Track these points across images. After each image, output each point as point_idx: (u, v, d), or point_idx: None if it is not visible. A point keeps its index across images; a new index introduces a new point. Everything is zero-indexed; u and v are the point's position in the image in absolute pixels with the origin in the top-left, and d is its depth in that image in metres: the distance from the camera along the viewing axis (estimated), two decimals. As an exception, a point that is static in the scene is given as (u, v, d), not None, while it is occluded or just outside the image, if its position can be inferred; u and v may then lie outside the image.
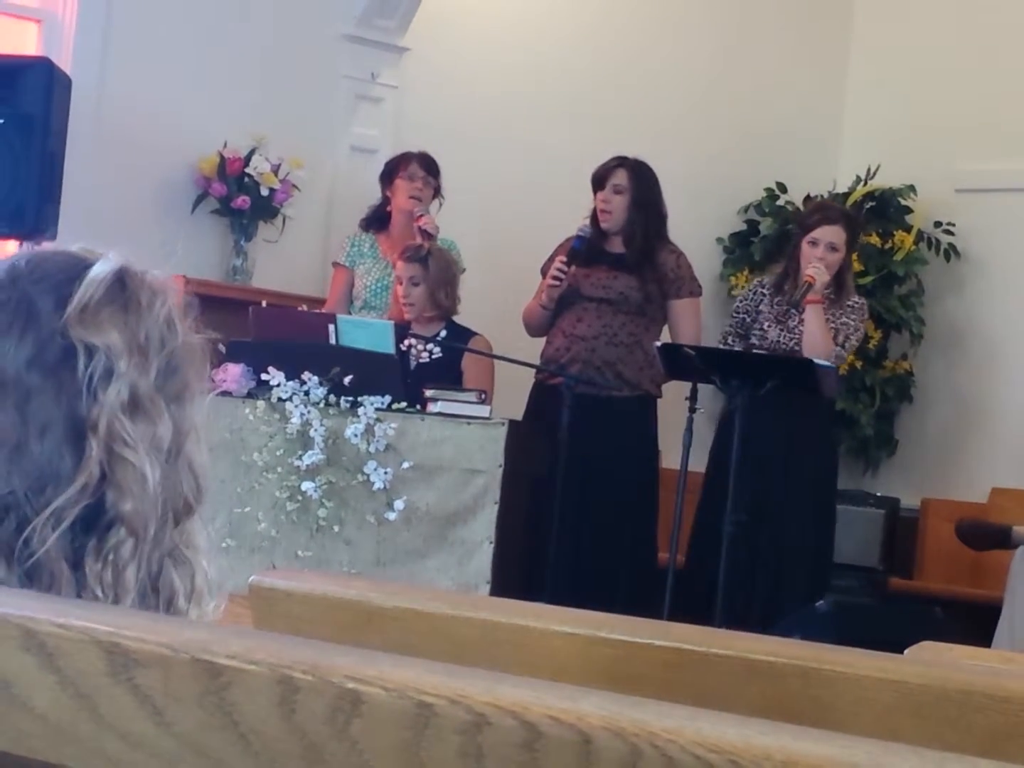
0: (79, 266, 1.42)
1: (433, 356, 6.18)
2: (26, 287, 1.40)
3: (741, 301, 6.54)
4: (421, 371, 6.06)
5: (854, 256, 8.08)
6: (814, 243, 6.28)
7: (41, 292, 1.39)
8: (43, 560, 1.34)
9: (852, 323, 6.34)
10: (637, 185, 6.33)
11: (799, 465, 6.33)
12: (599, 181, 6.38)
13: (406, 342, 6.08)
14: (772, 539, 6.24)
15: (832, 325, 6.27)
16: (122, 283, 1.40)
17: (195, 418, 1.43)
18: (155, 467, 1.37)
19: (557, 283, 6.27)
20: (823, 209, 6.67)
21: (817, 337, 6.20)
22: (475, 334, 6.23)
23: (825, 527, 6.42)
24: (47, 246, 1.47)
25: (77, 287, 1.39)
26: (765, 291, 6.46)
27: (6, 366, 1.37)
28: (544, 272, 6.49)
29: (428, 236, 6.28)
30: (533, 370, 6.41)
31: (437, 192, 6.60)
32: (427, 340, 6.15)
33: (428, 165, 6.53)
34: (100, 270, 1.41)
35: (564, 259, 6.27)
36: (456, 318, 6.31)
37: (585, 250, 6.31)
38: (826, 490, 6.48)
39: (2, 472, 1.36)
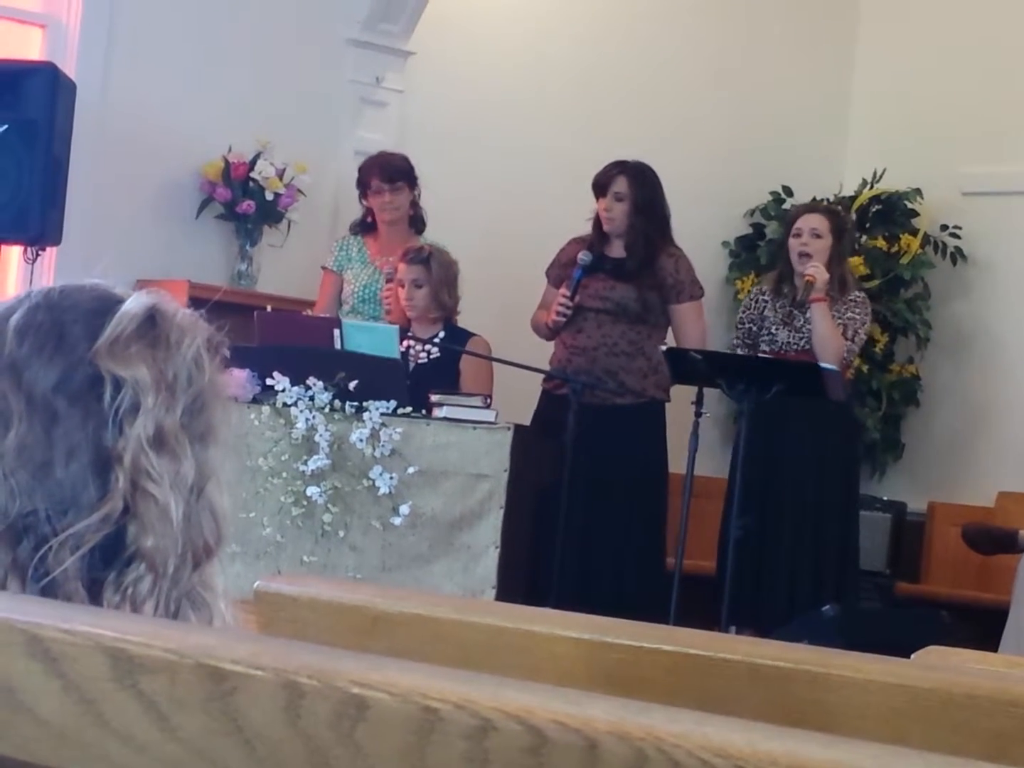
0: (111, 300, 1.43)
1: (432, 356, 6.20)
2: (59, 313, 1.41)
3: (744, 311, 6.60)
4: (419, 372, 6.08)
5: (860, 260, 8.13)
6: (797, 234, 6.40)
7: (72, 319, 1.41)
8: (59, 580, 1.35)
9: (858, 317, 6.41)
10: (639, 190, 6.32)
11: (829, 470, 6.41)
12: (600, 188, 6.38)
13: (404, 343, 6.09)
14: (806, 546, 6.33)
15: (839, 321, 6.34)
16: (153, 320, 1.41)
17: (217, 461, 1.43)
18: (178, 504, 1.38)
19: (563, 319, 6.28)
20: (803, 206, 6.95)
21: (827, 335, 6.25)
22: (473, 335, 6.25)
23: (853, 531, 6.51)
24: (84, 280, 1.48)
25: (109, 319, 1.40)
26: (766, 297, 6.53)
27: (35, 387, 1.38)
28: (549, 276, 6.51)
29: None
30: (539, 378, 6.41)
31: (412, 187, 6.55)
32: (425, 342, 6.18)
33: (389, 175, 6.47)
34: (132, 305, 1.42)
35: (567, 293, 6.28)
36: (459, 320, 6.32)
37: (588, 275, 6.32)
38: (853, 494, 6.58)
39: (26, 490, 1.36)
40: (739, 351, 6.55)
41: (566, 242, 6.51)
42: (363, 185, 6.55)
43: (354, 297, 6.53)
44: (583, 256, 6.28)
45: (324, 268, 6.65)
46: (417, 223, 6.58)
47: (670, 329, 6.47)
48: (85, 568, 1.36)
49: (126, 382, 1.37)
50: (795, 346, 6.37)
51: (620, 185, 6.33)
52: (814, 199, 8.32)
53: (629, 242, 6.33)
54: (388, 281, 6.33)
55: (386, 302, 6.33)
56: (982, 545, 7.33)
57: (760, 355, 6.44)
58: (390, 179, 6.46)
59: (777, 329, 6.43)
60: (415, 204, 6.58)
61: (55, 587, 1.35)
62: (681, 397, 6.42)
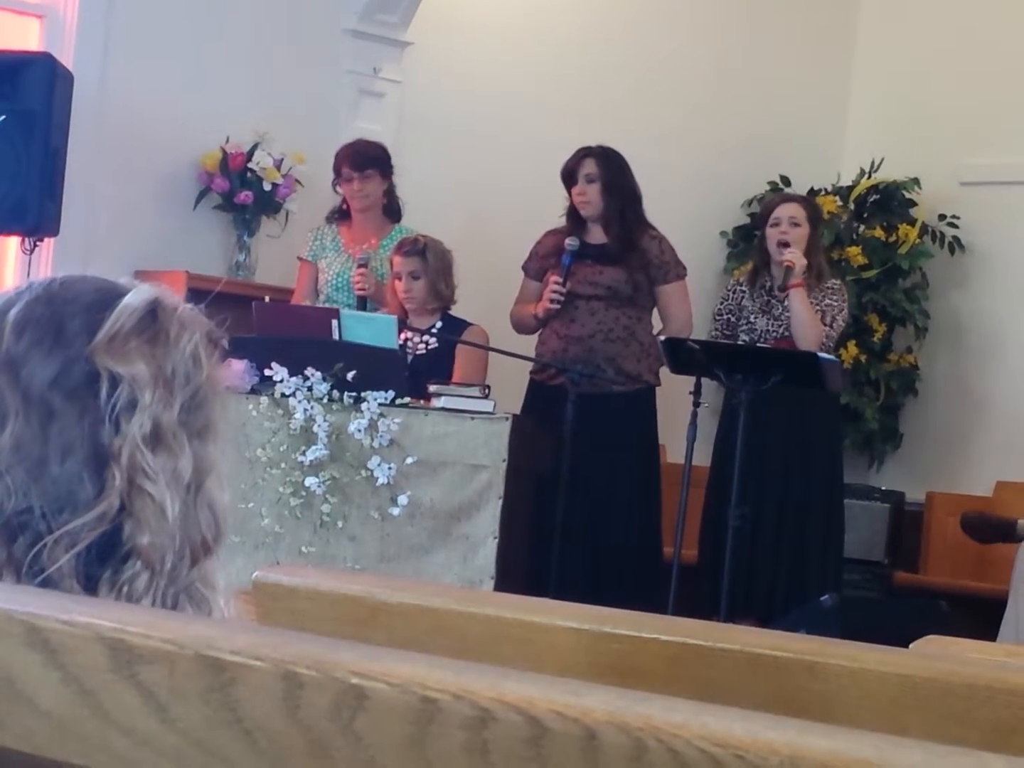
0: (113, 293, 1.42)
1: (430, 347, 6.20)
2: (59, 306, 1.40)
3: (722, 302, 6.66)
4: (417, 363, 6.08)
5: (858, 249, 8.13)
6: (776, 223, 6.45)
7: (72, 313, 1.40)
8: (54, 577, 1.34)
9: (836, 303, 6.45)
10: (607, 170, 6.34)
11: (809, 460, 6.42)
12: (569, 175, 6.40)
13: (403, 335, 6.10)
14: (789, 534, 6.33)
15: (817, 308, 6.39)
16: (153, 315, 1.40)
17: (216, 457, 1.43)
18: (175, 501, 1.37)
19: (557, 307, 6.28)
20: (778, 196, 7.06)
21: (806, 320, 6.29)
22: (471, 324, 6.25)
23: (837, 522, 6.51)
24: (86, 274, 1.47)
25: (109, 314, 1.39)
26: (743, 288, 6.58)
27: (32, 383, 1.37)
28: (527, 271, 6.51)
29: (362, 300, 6.30)
30: (527, 368, 6.41)
31: (385, 175, 6.55)
32: (423, 332, 6.18)
33: (359, 163, 6.46)
34: (133, 299, 1.41)
35: (559, 280, 6.27)
36: (454, 311, 6.32)
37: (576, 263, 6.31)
38: (837, 484, 6.58)
39: (21, 487, 1.36)
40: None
41: (542, 235, 6.52)
42: (336, 172, 6.55)
43: (328, 286, 6.54)
44: (571, 242, 6.29)
45: (300, 258, 6.65)
46: (392, 212, 6.58)
47: (655, 311, 6.48)
48: (81, 565, 1.35)
49: (123, 378, 1.37)
50: (774, 334, 6.42)
51: (589, 167, 6.36)
52: (812, 189, 8.32)
53: (606, 223, 6.34)
54: (360, 267, 6.33)
55: (356, 286, 6.33)
56: (981, 534, 7.33)
57: (759, 345, 6.45)
58: (359, 167, 6.46)
59: (756, 318, 6.48)
60: (390, 193, 6.57)
61: (50, 585, 1.34)
62: (676, 386, 6.42)
